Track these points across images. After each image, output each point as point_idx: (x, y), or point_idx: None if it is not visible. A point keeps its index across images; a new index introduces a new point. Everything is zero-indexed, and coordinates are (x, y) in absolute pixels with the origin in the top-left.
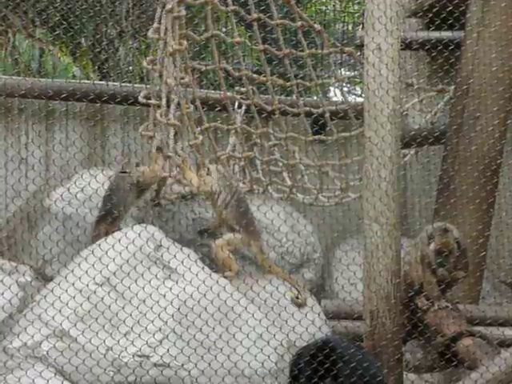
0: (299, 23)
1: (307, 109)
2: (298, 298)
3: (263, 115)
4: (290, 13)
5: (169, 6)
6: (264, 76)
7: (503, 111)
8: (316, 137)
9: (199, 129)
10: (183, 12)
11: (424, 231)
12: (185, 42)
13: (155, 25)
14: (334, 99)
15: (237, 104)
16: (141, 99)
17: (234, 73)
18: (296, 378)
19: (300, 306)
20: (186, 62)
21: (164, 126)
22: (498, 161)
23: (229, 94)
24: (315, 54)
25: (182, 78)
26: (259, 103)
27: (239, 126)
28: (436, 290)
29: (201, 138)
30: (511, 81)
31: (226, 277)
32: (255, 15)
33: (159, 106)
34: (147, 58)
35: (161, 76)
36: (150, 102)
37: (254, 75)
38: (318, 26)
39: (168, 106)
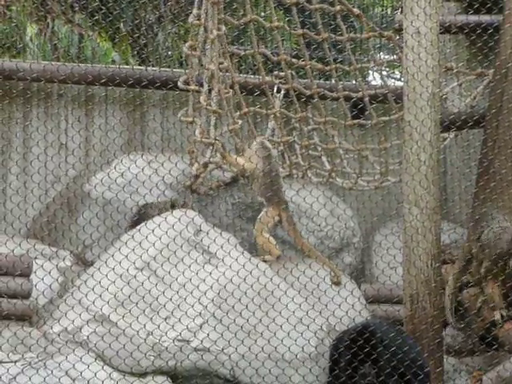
0: (338, 7)
1: (346, 93)
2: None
3: (302, 99)
4: None
5: None
6: (303, 60)
7: None
8: (355, 121)
9: (238, 113)
10: None
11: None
12: (223, 27)
13: (195, 10)
14: (373, 83)
15: (276, 88)
16: (180, 84)
17: (272, 57)
18: (336, 362)
19: (336, 284)
20: (225, 47)
21: (205, 112)
22: None
23: (267, 78)
24: (354, 38)
25: (221, 63)
26: (298, 87)
27: (278, 110)
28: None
29: (240, 122)
30: None
31: (265, 261)
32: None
33: (198, 92)
34: (187, 44)
35: (200, 61)
36: (189, 87)
37: (293, 60)
38: (356, 10)
39: (209, 92)
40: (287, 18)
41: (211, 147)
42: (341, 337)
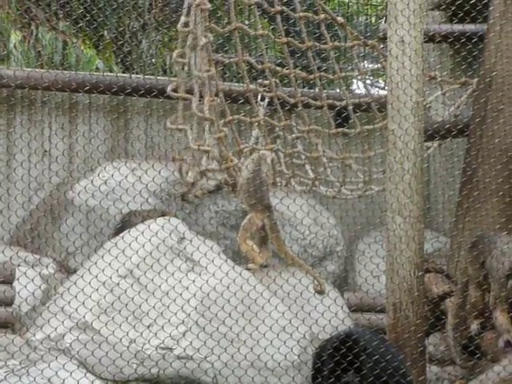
0: (322, 16)
1: (330, 101)
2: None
3: (286, 108)
4: (313, 5)
5: (196, 0)
6: (287, 69)
7: None
8: (339, 129)
9: (222, 121)
10: (208, 5)
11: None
12: (210, 35)
13: (183, 18)
14: (357, 92)
15: (260, 97)
16: (169, 92)
17: (257, 65)
18: (319, 370)
19: (319, 292)
20: (210, 55)
21: (197, 119)
22: None
23: (252, 86)
24: (338, 46)
25: (208, 71)
26: (282, 96)
27: (262, 118)
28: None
29: (226, 130)
30: None
31: (249, 269)
32: (278, 8)
33: (186, 99)
34: (175, 51)
35: (183, 69)
36: (179, 95)
37: (277, 68)
38: (340, 19)
39: (199, 100)
40: (272, 27)
41: (207, 154)
42: (324, 345)
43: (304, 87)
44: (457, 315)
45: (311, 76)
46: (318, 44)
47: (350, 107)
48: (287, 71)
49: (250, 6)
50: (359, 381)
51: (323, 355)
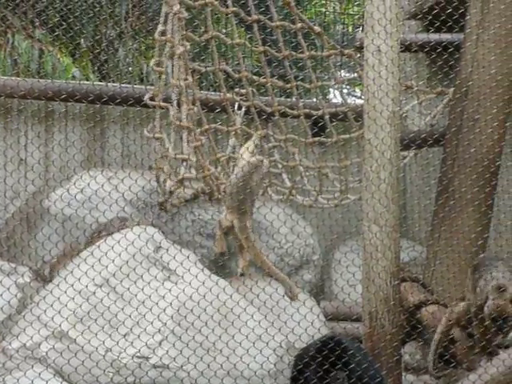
0: (299, 25)
1: (307, 111)
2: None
3: (263, 117)
4: (290, 14)
5: (175, 8)
6: (264, 78)
7: (502, 113)
8: (316, 139)
9: (199, 130)
10: (185, 14)
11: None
12: (187, 44)
13: (160, 27)
14: (334, 101)
15: (237, 105)
16: (147, 101)
17: (233, 74)
18: (300, 372)
19: (292, 299)
20: (187, 64)
21: (174, 128)
22: (497, 163)
23: (229, 95)
24: (315, 55)
25: (185, 80)
26: (259, 105)
27: (239, 127)
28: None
29: (203, 139)
30: (510, 83)
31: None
32: (255, 17)
33: (164, 108)
34: (152, 60)
35: (160, 77)
36: (156, 103)
37: (254, 77)
38: (317, 28)
39: (178, 108)
40: (248, 35)
41: (185, 163)
42: (306, 348)
43: (281, 96)
44: (445, 332)
45: (288, 85)
46: (294, 53)
47: (327, 116)
48: (264, 80)
49: (226, 15)
50: (347, 378)
51: (305, 357)
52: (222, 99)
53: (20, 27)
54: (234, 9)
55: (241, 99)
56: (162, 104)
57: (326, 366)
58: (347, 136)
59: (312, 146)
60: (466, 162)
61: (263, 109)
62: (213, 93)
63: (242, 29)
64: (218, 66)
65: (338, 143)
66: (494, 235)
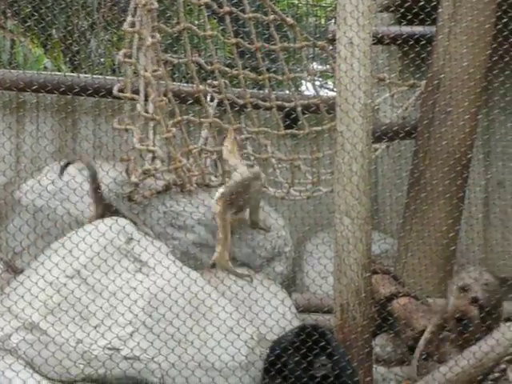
0: (271, 17)
1: (279, 103)
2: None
3: (235, 109)
4: (263, 6)
5: (144, 0)
6: (236, 69)
7: (474, 106)
8: (288, 131)
9: (171, 122)
10: (155, 5)
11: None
12: (157, 35)
13: (129, 18)
14: (306, 93)
15: (209, 97)
16: (115, 92)
17: (206, 66)
18: (278, 356)
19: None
20: (159, 55)
21: (142, 119)
22: (469, 155)
23: (201, 87)
24: (287, 47)
25: (155, 71)
26: (231, 97)
27: (211, 119)
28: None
29: (174, 130)
30: (482, 76)
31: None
32: (227, 8)
33: (133, 99)
34: (121, 51)
35: (135, 69)
36: (125, 95)
37: (226, 68)
38: (290, 20)
39: (145, 99)
40: (221, 27)
41: (151, 154)
42: (282, 336)
43: (253, 88)
44: (432, 339)
45: (260, 77)
46: (266, 45)
47: (299, 108)
48: (236, 72)
49: (199, 7)
50: (331, 365)
51: (282, 344)
52: (194, 91)
53: None
54: (207, 0)
55: (213, 91)
56: (131, 95)
57: (303, 351)
58: (319, 128)
59: (284, 138)
60: (437, 155)
61: (235, 101)
62: (185, 84)
63: (215, 20)
64: (190, 58)
65: (310, 135)
66: (465, 228)
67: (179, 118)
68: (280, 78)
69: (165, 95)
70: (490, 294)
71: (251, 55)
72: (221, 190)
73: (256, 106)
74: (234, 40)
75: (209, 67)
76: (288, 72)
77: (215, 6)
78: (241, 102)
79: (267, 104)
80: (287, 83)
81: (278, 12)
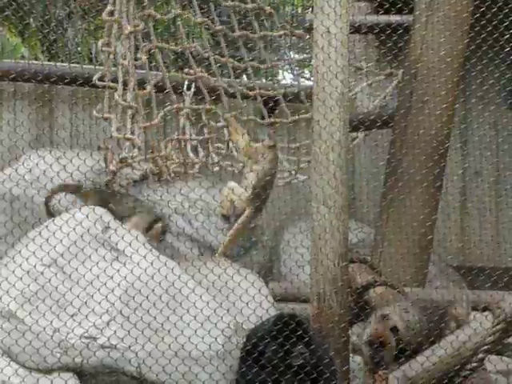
0: (250, 5)
1: (262, 91)
2: None
3: (212, 98)
4: None
5: None
6: (223, 57)
7: (451, 95)
8: (272, 120)
9: (157, 112)
10: None
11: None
12: (141, 24)
13: (109, 7)
14: (283, 82)
15: (186, 86)
16: (96, 81)
17: (203, 54)
18: (255, 345)
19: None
20: (154, 43)
21: (121, 108)
22: (446, 145)
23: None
24: (266, 35)
25: (136, 60)
26: (223, 85)
27: (188, 107)
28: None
29: (157, 120)
30: (459, 65)
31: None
32: None
33: (112, 88)
34: (100, 41)
35: (109, 57)
36: (105, 83)
37: (217, 57)
38: (268, 8)
39: (124, 88)
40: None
41: (128, 143)
42: (258, 326)
43: (229, 77)
44: None
45: (243, 65)
46: (247, 33)
47: (280, 97)
48: (224, 60)
49: None
50: (308, 354)
51: (259, 333)
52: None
53: None
54: None
55: (189, 80)
56: (111, 84)
57: (280, 340)
58: (296, 117)
59: (262, 126)
60: (414, 144)
61: (226, 90)
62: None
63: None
64: (189, 46)
65: (287, 124)
66: (443, 217)
67: (174, 106)
68: (262, 66)
69: (156, 85)
70: (409, 330)
71: (228, 44)
72: (247, 189)
73: (232, 95)
74: (218, 27)
75: (206, 55)
76: (268, 60)
77: None
78: (231, 90)
79: (250, 93)
80: (264, 72)
81: (256, 0)
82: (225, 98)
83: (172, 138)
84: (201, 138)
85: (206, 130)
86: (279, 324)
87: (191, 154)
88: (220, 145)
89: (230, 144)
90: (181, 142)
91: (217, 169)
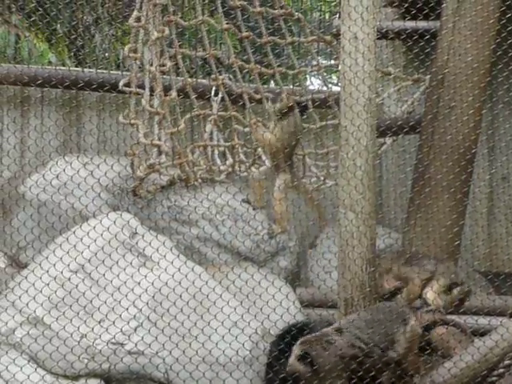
0: (280, 11)
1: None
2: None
3: (240, 103)
4: (267, 1)
5: None
6: (248, 63)
7: (478, 101)
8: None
9: (183, 118)
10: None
11: None
12: (166, 29)
13: (136, 13)
14: (311, 88)
15: (213, 92)
16: (122, 87)
17: (225, 60)
18: (282, 351)
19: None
20: (164, 49)
21: (148, 114)
22: (473, 150)
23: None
24: (296, 41)
25: (163, 66)
26: (248, 91)
27: (216, 113)
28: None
29: (182, 125)
30: (486, 71)
31: (272, 232)
32: (238, 2)
33: (138, 94)
34: (127, 46)
35: (136, 63)
36: (132, 89)
37: (245, 64)
38: (297, 14)
39: (151, 94)
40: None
41: (156, 149)
42: (280, 334)
43: (251, 82)
44: None
45: (271, 71)
46: (276, 39)
47: (309, 102)
48: (250, 66)
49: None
50: None
51: (281, 343)
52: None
53: None
54: None
55: (217, 86)
56: (137, 90)
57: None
58: (324, 123)
59: None
60: (441, 150)
61: (252, 95)
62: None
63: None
64: (209, 52)
65: (315, 129)
66: (470, 222)
67: (197, 112)
68: (290, 72)
69: (182, 91)
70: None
71: (255, 50)
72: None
73: (259, 101)
74: (245, 34)
75: (227, 61)
76: (297, 66)
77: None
78: (257, 96)
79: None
80: (292, 78)
81: (284, 6)
82: (248, 104)
83: (199, 143)
84: (228, 144)
85: (234, 136)
86: (305, 330)
87: (218, 161)
88: (248, 149)
89: (259, 150)
90: (207, 147)
91: (245, 174)
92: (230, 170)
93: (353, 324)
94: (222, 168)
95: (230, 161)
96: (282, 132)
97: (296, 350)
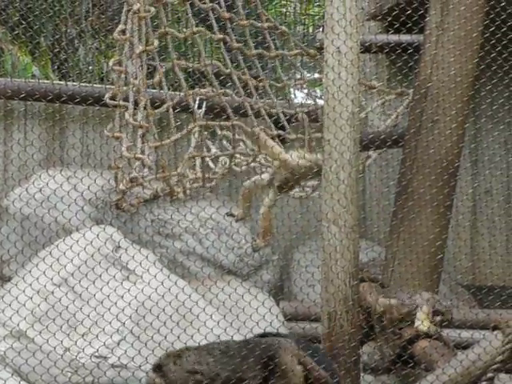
0: (266, 24)
1: (280, 109)
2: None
3: (223, 117)
4: (251, 14)
5: (135, 7)
6: (243, 74)
7: (461, 115)
8: (279, 132)
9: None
10: (152, 11)
11: None
12: (156, 42)
13: (121, 26)
14: (295, 101)
15: (197, 104)
16: (107, 100)
17: (224, 70)
18: None
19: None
20: (144, 62)
21: (131, 127)
22: (456, 164)
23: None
24: (281, 54)
25: (148, 79)
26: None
27: (201, 123)
28: None
29: (167, 141)
30: (469, 84)
31: (255, 246)
32: (227, 15)
33: (123, 107)
34: (111, 60)
35: (120, 77)
36: (116, 103)
37: (243, 76)
38: (282, 27)
39: (135, 108)
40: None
41: (139, 162)
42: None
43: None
44: None
45: (261, 84)
46: (264, 52)
47: (300, 115)
48: (244, 77)
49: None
50: None
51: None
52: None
53: None
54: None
55: (201, 98)
56: (122, 103)
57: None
58: (316, 135)
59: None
60: (424, 163)
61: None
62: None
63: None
64: (204, 63)
65: (297, 143)
66: (453, 236)
67: (195, 126)
68: (278, 85)
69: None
70: None
71: (238, 64)
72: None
73: (244, 114)
74: (236, 45)
75: (227, 71)
76: (283, 79)
77: (220, 11)
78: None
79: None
80: (275, 91)
81: (270, 19)
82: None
83: (190, 154)
84: (227, 153)
85: (225, 143)
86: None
87: (211, 164)
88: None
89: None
90: (195, 158)
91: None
92: (227, 169)
93: (204, 350)
94: (215, 171)
95: (223, 161)
96: (312, 160)
97: (157, 360)
